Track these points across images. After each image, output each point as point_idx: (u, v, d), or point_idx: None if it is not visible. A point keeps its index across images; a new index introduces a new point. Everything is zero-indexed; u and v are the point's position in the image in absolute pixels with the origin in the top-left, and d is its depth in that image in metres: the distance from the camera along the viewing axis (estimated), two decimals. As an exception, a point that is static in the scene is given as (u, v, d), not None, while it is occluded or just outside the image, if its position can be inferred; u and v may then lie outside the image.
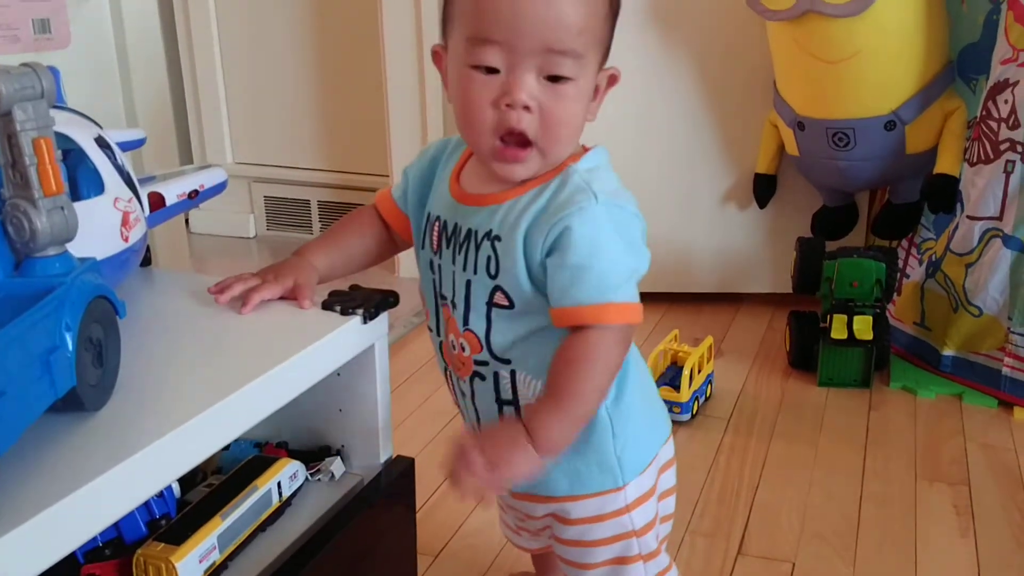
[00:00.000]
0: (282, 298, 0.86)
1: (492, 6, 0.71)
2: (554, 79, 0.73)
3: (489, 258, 0.77)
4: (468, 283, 0.79)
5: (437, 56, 0.80)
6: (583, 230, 0.73)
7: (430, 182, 0.87)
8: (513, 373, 0.80)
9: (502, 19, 0.71)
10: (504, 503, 0.96)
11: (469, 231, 0.79)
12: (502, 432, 0.76)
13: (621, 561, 0.85)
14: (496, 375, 0.81)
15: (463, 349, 0.82)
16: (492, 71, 0.73)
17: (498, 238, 0.76)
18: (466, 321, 0.80)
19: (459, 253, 0.80)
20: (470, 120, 0.75)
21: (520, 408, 0.81)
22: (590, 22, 0.73)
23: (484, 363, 0.81)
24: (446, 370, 0.88)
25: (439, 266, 0.82)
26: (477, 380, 0.83)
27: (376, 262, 0.94)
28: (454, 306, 0.81)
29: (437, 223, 0.83)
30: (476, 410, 0.85)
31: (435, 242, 0.83)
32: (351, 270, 0.92)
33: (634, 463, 0.83)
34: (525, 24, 0.70)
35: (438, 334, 0.86)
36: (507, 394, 0.81)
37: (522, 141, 0.74)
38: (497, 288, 0.77)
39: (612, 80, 0.79)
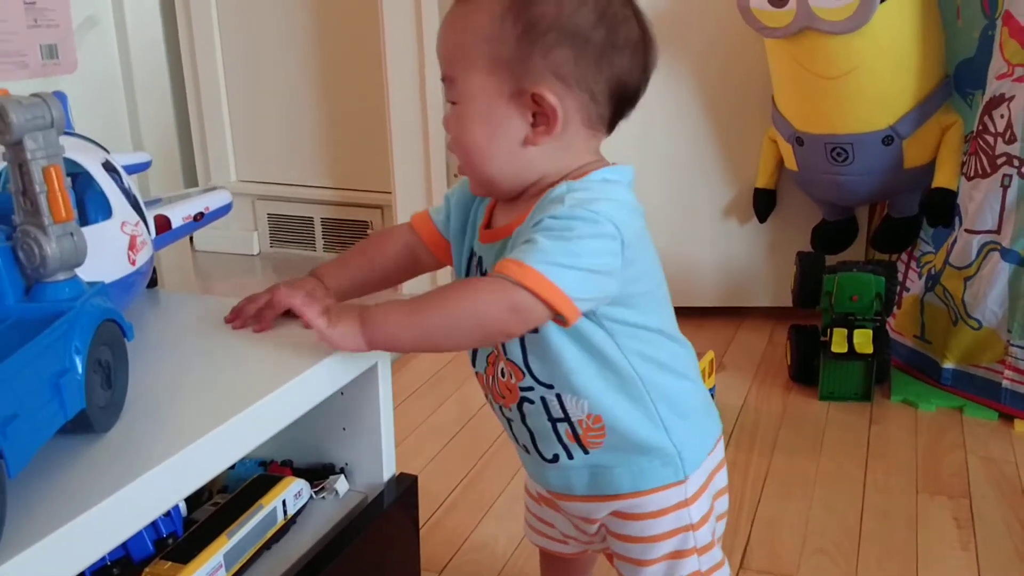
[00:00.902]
0: (287, 313, 0.85)
1: None
2: (453, 103, 0.79)
3: None
4: None
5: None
6: (544, 222, 0.74)
7: (470, 209, 0.89)
8: (559, 396, 0.81)
9: None
10: (551, 515, 0.96)
11: (478, 268, 0.83)
12: (345, 304, 0.81)
13: (678, 555, 0.87)
14: (543, 399, 0.82)
15: (511, 376, 0.83)
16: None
17: None
18: (506, 351, 0.82)
19: None
20: None
21: (573, 423, 0.82)
22: (460, 45, 0.77)
23: (530, 388, 0.82)
24: (488, 396, 0.90)
25: None
26: (526, 404, 0.84)
27: (406, 279, 0.96)
28: None
29: (476, 261, 0.86)
30: (529, 430, 0.86)
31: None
32: (373, 288, 0.93)
33: (694, 456, 0.85)
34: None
35: (474, 364, 0.88)
36: (558, 413, 0.82)
37: None
38: None
39: (536, 99, 0.76)
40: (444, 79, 0.79)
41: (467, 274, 0.87)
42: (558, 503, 0.92)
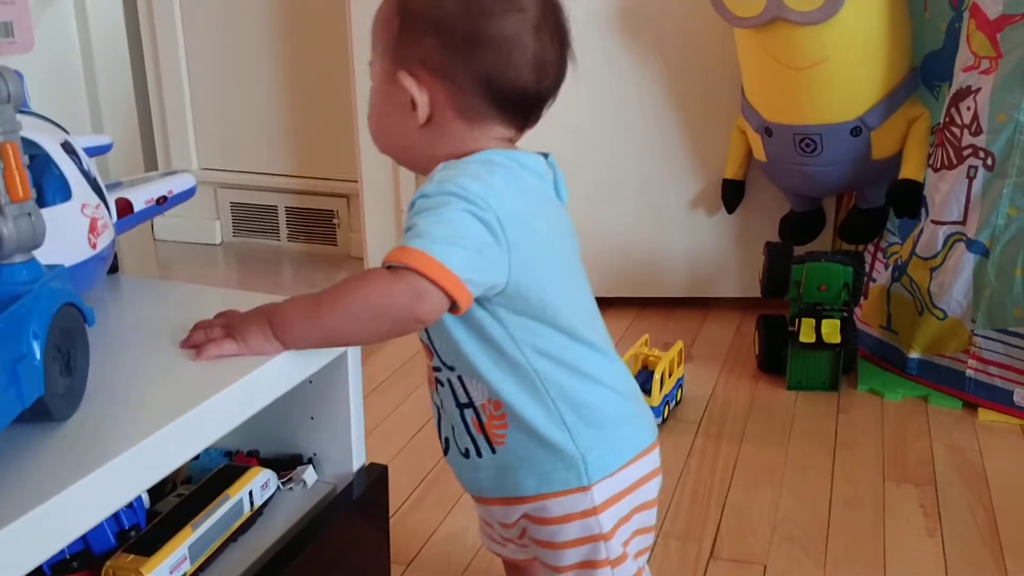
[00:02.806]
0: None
1: None
2: None
3: None
4: None
5: None
6: (416, 202, 0.75)
7: None
8: (460, 378, 0.82)
9: None
10: (485, 518, 0.96)
11: None
12: (258, 307, 0.79)
13: (590, 565, 0.85)
14: (449, 380, 0.83)
15: (426, 357, 0.85)
16: None
17: None
18: (426, 332, 0.83)
19: None
20: None
21: (477, 408, 0.82)
22: (377, 26, 0.81)
23: (438, 369, 0.83)
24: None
25: None
26: (440, 388, 0.84)
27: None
28: None
29: None
30: (450, 422, 0.86)
31: None
32: None
33: (601, 464, 0.83)
34: None
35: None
36: (463, 397, 0.83)
37: None
38: None
39: (401, 81, 0.78)
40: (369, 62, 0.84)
41: None
42: (477, 507, 0.92)
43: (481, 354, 0.79)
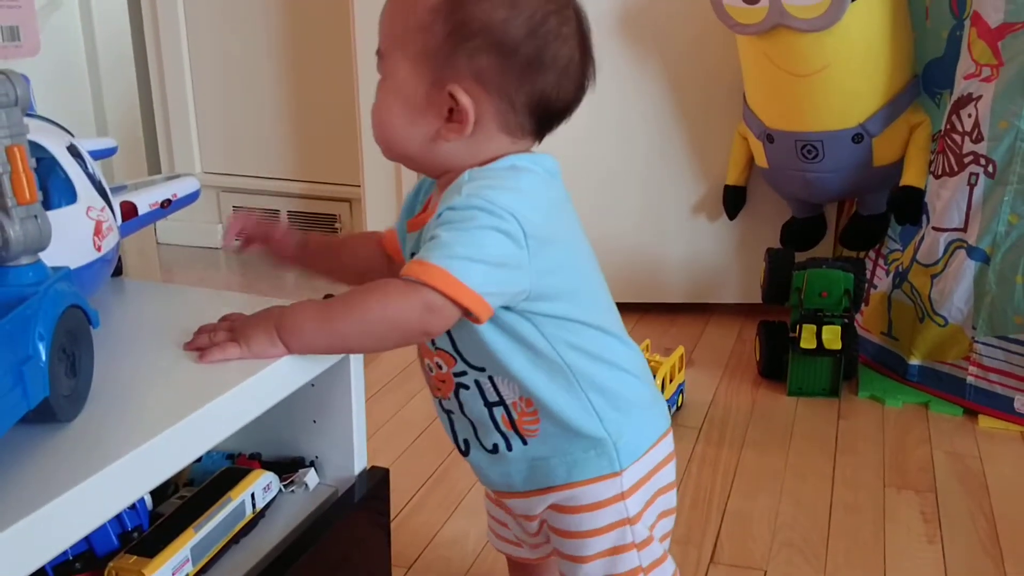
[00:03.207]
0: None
1: None
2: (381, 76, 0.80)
3: None
4: None
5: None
6: (444, 215, 0.75)
7: (414, 206, 0.89)
8: (491, 378, 0.82)
9: None
10: (503, 515, 0.97)
11: (411, 255, 0.82)
12: (263, 311, 0.79)
13: (617, 551, 0.86)
14: (477, 383, 0.83)
15: (440, 368, 0.84)
16: None
17: None
18: (435, 341, 0.82)
19: None
20: None
21: (508, 406, 0.83)
22: (396, 25, 0.78)
23: (463, 373, 0.83)
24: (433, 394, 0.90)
25: None
26: (462, 391, 0.84)
27: (367, 280, 0.94)
28: None
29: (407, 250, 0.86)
30: (470, 421, 0.86)
31: None
32: (336, 279, 0.94)
33: (631, 448, 0.85)
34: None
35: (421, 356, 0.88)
36: (493, 396, 0.83)
37: None
38: None
39: (452, 96, 0.77)
40: (378, 52, 0.80)
41: None
42: (503, 502, 0.92)
43: (514, 354, 0.80)
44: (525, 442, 0.84)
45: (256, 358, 0.76)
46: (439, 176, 0.83)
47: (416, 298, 0.72)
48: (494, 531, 1.01)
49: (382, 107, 0.80)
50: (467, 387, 0.83)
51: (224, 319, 0.81)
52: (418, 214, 0.86)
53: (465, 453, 0.89)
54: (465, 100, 0.76)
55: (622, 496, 0.85)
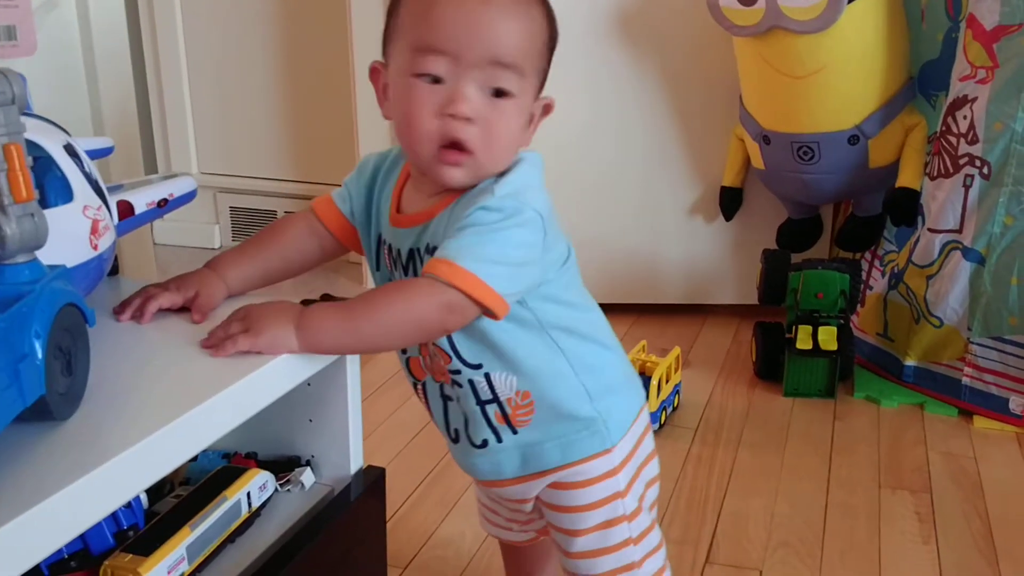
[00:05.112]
0: (183, 308, 0.84)
1: (441, 15, 0.74)
2: (498, 94, 0.77)
3: None
4: None
5: (375, 72, 0.82)
6: (474, 215, 0.75)
7: (371, 198, 0.89)
8: (487, 376, 0.82)
9: (450, 29, 0.74)
10: (493, 500, 0.98)
11: (411, 251, 0.83)
12: (277, 304, 0.78)
13: (609, 524, 0.88)
14: (471, 382, 0.83)
15: (440, 360, 0.84)
16: (437, 81, 0.76)
17: (435, 249, 0.78)
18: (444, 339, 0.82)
19: (408, 273, 0.83)
20: (413, 128, 0.77)
21: (502, 403, 0.83)
22: (533, 44, 0.78)
23: (457, 371, 0.83)
24: (415, 385, 0.90)
25: None
26: (456, 388, 0.84)
27: (310, 268, 0.93)
28: None
29: (387, 247, 0.86)
30: (464, 414, 0.86)
31: (389, 264, 0.86)
32: (276, 279, 0.91)
33: (619, 424, 0.87)
34: (472, 35, 0.74)
35: (404, 351, 0.88)
36: (486, 394, 0.84)
37: (462, 148, 0.77)
38: None
39: (547, 109, 0.83)
40: (507, 66, 0.76)
41: (377, 259, 0.88)
42: (488, 491, 0.94)
43: (514, 345, 0.81)
44: (515, 432, 0.85)
45: (268, 352, 0.76)
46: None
47: (441, 299, 0.74)
48: (484, 516, 1.03)
49: (507, 125, 0.78)
50: (460, 385, 0.84)
51: (238, 311, 0.79)
52: (405, 213, 0.84)
53: (455, 440, 0.89)
54: (552, 102, 0.82)
55: (613, 471, 0.87)
